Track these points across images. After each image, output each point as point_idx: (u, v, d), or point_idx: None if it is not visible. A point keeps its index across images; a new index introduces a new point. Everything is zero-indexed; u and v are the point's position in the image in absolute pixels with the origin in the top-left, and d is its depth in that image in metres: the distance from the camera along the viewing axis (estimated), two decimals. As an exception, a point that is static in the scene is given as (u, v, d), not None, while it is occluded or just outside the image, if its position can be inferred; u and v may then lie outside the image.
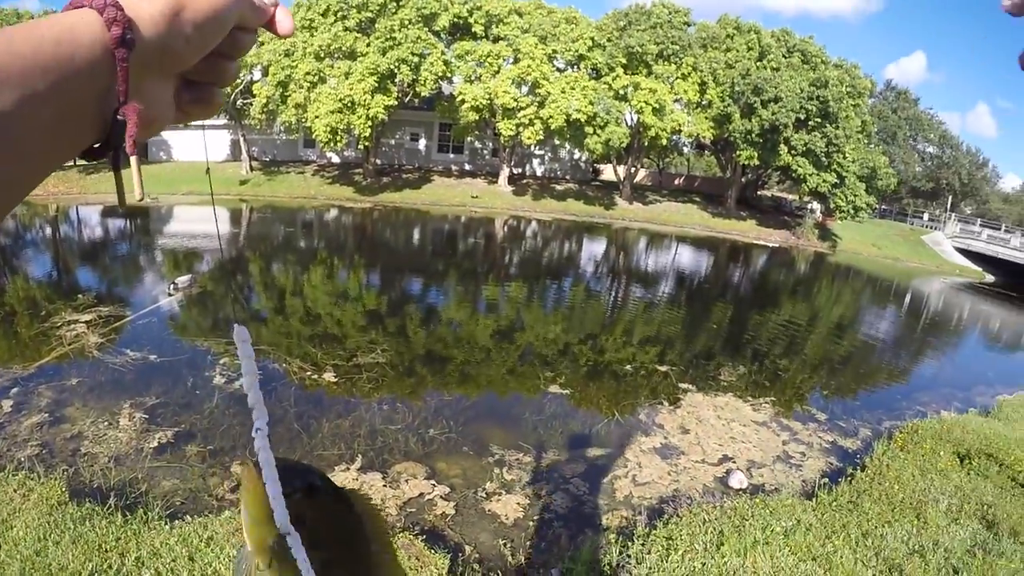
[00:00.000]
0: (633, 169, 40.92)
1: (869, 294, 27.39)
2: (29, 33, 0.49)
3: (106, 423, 7.21)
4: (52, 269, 17.88)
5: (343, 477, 6.28)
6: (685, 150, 49.42)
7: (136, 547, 4.52)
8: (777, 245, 36.33)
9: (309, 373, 9.21)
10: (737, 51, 36.94)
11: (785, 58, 36.72)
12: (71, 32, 0.51)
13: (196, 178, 40.12)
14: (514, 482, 6.55)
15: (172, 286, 13.78)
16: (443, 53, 35.76)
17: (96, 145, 0.56)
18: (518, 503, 6.16)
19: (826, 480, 7.22)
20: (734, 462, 7.63)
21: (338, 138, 34.27)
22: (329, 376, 9.12)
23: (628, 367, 10.88)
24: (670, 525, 5.72)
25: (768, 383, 10.93)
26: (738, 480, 7.09)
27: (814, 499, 6.52)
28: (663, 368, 10.87)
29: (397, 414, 7.91)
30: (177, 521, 5.05)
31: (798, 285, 25.54)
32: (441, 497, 6.13)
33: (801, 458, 8.05)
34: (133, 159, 0.60)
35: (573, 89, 34.64)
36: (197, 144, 46.80)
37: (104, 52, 0.52)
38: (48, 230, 26.93)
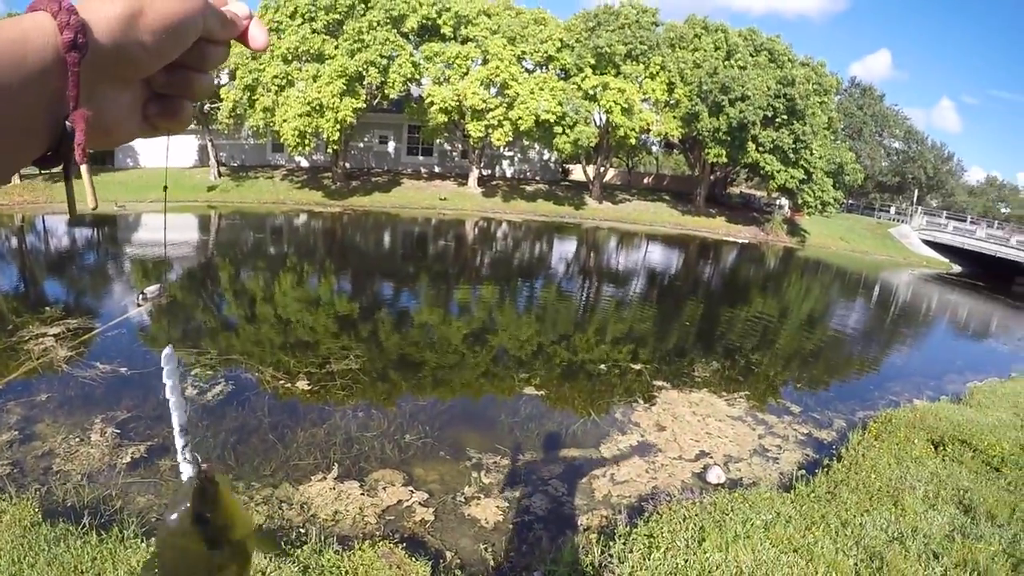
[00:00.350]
0: (602, 169, 41.08)
1: (838, 287, 27.73)
2: None
3: (77, 439, 7.06)
4: (18, 281, 17.58)
5: (320, 487, 6.23)
6: (654, 149, 49.75)
7: (112, 567, 4.44)
8: (746, 241, 36.69)
9: (282, 382, 9.13)
10: (705, 50, 37.15)
11: (752, 57, 36.99)
12: (23, 35, 0.51)
13: (163, 185, 39.72)
14: (492, 485, 6.53)
15: (141, 296, 13.60)
16: (412, 55, 35.68)
17: (48, 153, 0.55)
18: (497, 506, 6.15)
19: (803, 472, 7.28)
20: (711, 457, 7.68)
21: (306, 142, 34.07)
22: (303, 384, 9.05)
23: (602, 366, 10.90)
24: (650, 523, 5.73)
25: (742, 378, 11.01)
26: (716, 475, 7.12)
27: (792, 491, 6.57)
28: (637, 366, 10.91)
29: (372, 421, 7.86)
30: (152, 538, 4.96)
31: (768, 280, 25.78)
32: (420, 503, 6.10)
33: (777, 451, 8.13)
34: (84, 167, 0.58)
35: (542, 90, 34.78)
36: (164, 150, 46.26)
37: (55, 56, 0.52)
38: (13, 241, 26.46)
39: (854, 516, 5.91)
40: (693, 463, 7.48)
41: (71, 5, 0.53)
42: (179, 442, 0.72)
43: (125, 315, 12.77)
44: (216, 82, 37.83)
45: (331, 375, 9.41)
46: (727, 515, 5.76)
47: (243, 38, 0.69)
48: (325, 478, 6.43)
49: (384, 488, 6.30)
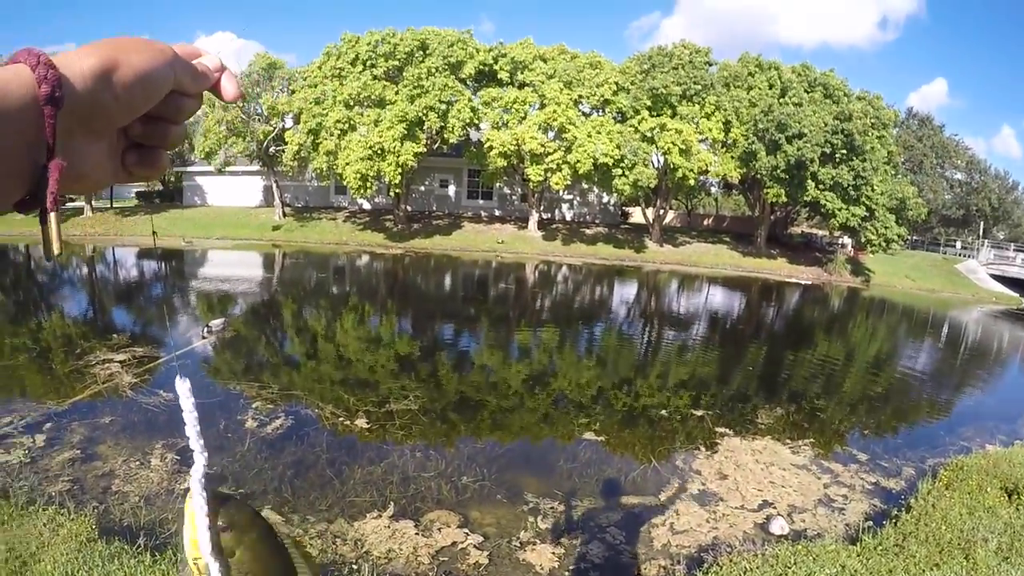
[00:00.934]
0: (662, 211, 40.62)
1: (905, 327, 26.92)
2: None
3: (137, 462, 7.23)
4: (88, 308, 18.19)
5: (375, 524, 6.20)
6: (713, 190, 49.31)
7: None
8: (809, 282, 35.86)
9: (341, 419, 9.17)
10: (759, 88, 36.85)
11: (807, 92, 36.57)
12: (4, 86, 0.53)
13: (230, 223, 40.84)
14: (549, 531, 6.41)
15: (206, 329, 13.94)
16: (470, 100, 36.26)
17: (27, 197, 0.57)
18: (553, 553, 6.02)
19: (870, 523, 6.97)
20: (774, 507, 7.41)
21: (368, 185, 34.70)
22: (361, 422, 9.07)
23: (663, 412, 10.68)
24: (710, 574, 5.57)
25: (806, 424, 10.68)
26: (779, 526, 6.88)
27: (858, 544, 6.30)
28: (699, 412, 10.66)
29: (430, 461, 7.81)
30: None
31: (832, 322, 25.15)
32: (474, 546, 6.01)
33: (843, 501, 7.82)
34: (52, 215, 0.59)
35: (599, 133, 34.94)
36: (232, 190, 47.67)
37: (34, 107, 0.54)
38: (85, 270, 27.42)
39: (923, 571, 5.64)
40: (755, 513, 7.23)
41: (48, 59, 0.55)
42: (196, 486, 0.72)
43: (190, 346, 13.07)
44: (281, 126, 38.88)
45: (390, 414, 9.41)
46: (790, 568, 5.55)
47: (216, 90, 0.72)
48: (380, 516, 6.39)
49: (439, 529, 6.24)
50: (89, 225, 42.80)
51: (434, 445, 8.47)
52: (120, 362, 11.26)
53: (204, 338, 13.58)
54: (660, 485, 7.74)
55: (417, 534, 6.12)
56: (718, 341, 18.36)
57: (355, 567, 5.46)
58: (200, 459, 0.75)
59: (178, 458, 7.37)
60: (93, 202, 48.04)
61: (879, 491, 8.24)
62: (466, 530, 6.24)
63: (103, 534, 5.34)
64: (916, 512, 6.98)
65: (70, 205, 55.12)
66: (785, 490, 7.93)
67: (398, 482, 7.15)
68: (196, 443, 0.76)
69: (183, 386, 0.75)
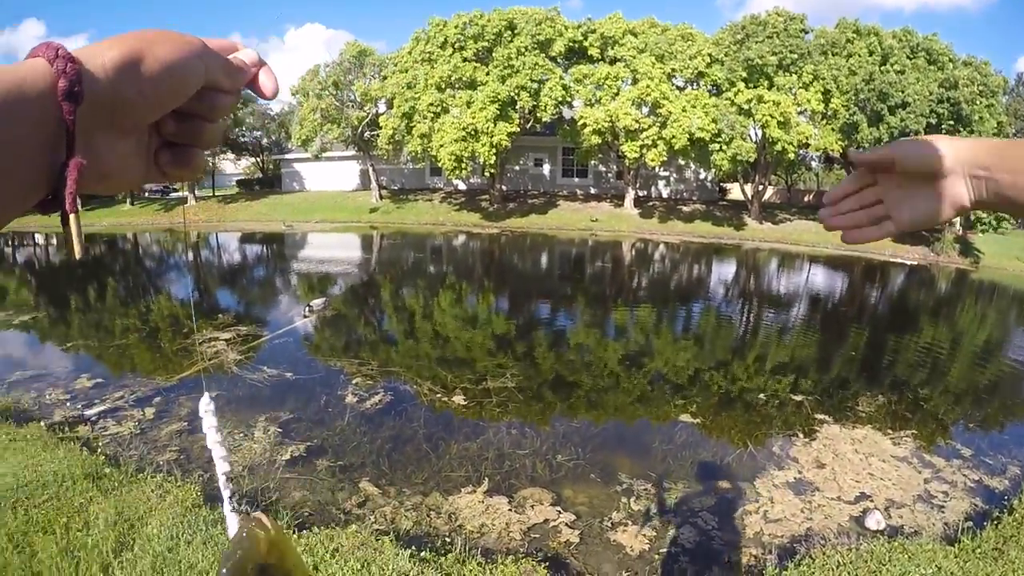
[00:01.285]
0: (761, 187, 39.31)
1: (1017, 313, 25.59)
2: None
3: (242, 434, 7.56)
4: (194, 290, 18.98)
5: (469, 499, 6.27)
6: (813, 164, 47.68)
7: None
8: (915, 263, 34.20)
9: (439, 395, 9.30)
10: (859, 56, 34.84)
11: (910, 59, 34.51)
12: (20, 83, 0.51)
13: (328, 206, 41.89)
14: (641, 513, 6.36)
15: (307, 308, 14.37)
16: (561, 78, 36.05)
17: (49, 197, 0.55)
18: (644, 535, 5.98)
19: (970, 523, 6.59)
20: (872, 501, 7.12)
21: (463, 166, 35.01)
22: (459, 399, 9.19)
23: (761, 395, 10.41)
24: (802, 567, 5.40)
25: (909, 414, 10.24)
26: (875, 520, 6.62)
27: (956, 544, 5.99)
28: (797, 397, 10.35)
29: (525, 439, 7.85)
30: (304, 531, 5.16)
31: (939, 305, 24.05)
32: (566, 524, 6.02)
33: (944, 498, 7.46)
34: (72, 217, 0.56)
35: (694, 107, 34.14)
36: (329, 175, 48.82)
37: (53, 103, 0.52)
38: (190, 254, 28.59)
39: (1021, 579, 5.40)
40: (852, 505, 6.97)
41: (67, 52, 0.53)
42: (225, 492, 0.75)
43: (291, 325, 13.51)
44: (375, 111, 39.55)
45: (487, 392, 9.50)
46: (884, 566, 5.36)
47: (254, 85, 0.70)
48: (475, 491, 6.46)
49: (532, 506, 6.27)
50: (193, 213, 44.90)
51: (529, 423, 8.52)
52: (225, 340, 11.80)
53: (305, 317, 14.00)
54: (755, 471, 7.57)
55: (510, 510, 6.18)
56: (818, 323, 17.83)
57: (448, 540, 5.55)
58: (223, 466, 0.75)
59: (280, 431, 7.65)
60: (196, 191, 50.04)
61: (982, 489, 7.85)
62: (558, 508, 6.26)
63: (207, 500, 5.57)
64: (1019, 514, 6.62)
65: (175, 195, 57.44)
66: (884, 483, 7.64)
67: (493, 458, 7.22)
68: (217, 454, 0.76)
69: (207, 405, 0.75)
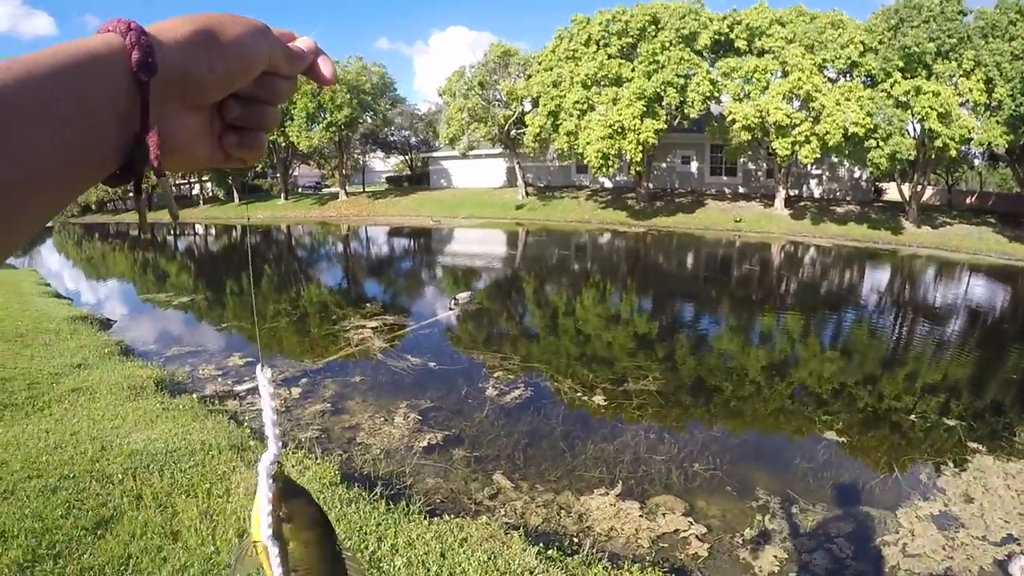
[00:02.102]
0: (919, 187, 36.24)
1: None
2: (53, 57, 0.50)
3: (382, 419, 7.85)
4: (343, 280, 19.85)
5: (600, 501, 6.23)
6: (976, 162, 44.25)
7: (394, 535, 4.71)
8: None
9: (578, 394, 9.28)
10: (1023, 38, 31.10)
11: None
12: (93, 56, 0.52)
13: (475, 203, 42.74)
14: (775, 532, 6.14)
15: (453, 301, 14.76)
16: (708, 72, 35.13)
17: (118, 171, 0.57)
18: (775, 556, 5.78)
19: None
20: (1019, 544, 6.56)
21: (610, 163, 34.85)
22: (598, 399, 9.15)
23: (911, 417, 9.86)
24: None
25: None
26: (1019, 567, 6.14)
27: None
28: (950, 421, 9.64)
29: (662, 444, 7.73)
30: (435, 518, 5.23)
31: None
32: (696, 536, 5.89)
33: (1099, 548, 6.82)
34: (163, 180, 0.60)
35: (848, 100, 32.05)
36: (475, 172, 49.83)
37: (125, 76, 0.53)
38: (340, 246, 29.86)
39: None
40: (997, 547, 6.41)
41: (139, 27, 0.54)
42: (271, 450, 0.77)
43: (436, 317, 13.91)
44: (521, 110, 40.03)
45: (627, 393, 9.40)
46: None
47: (312, 72, 0.71)
48: (607, 494, 6.42)
49: (663, 514, 6.19)
50: (344, 208, 47.08)
51: (667, 428, 8.39)
52: (372, 328, 12.39)
53: (451, 309, 14.38)
54: (899, 499, 7.14)
55: (641, 516, 6.12)
56: (976, 340, 16.68)
57: (575, 540, 5.56)
58: (273, 448, 0.76)
59: (420, 418, 7.86)
60: (347, 187, 52.21)
61: None
62: (690, 519, 6.15)
63: (344, 479, 5.77)
64: None
65: (327, 191, 59.88)
66: (1033, 526, 7.07)
67: (628, 462, 7.16)
68: (271, 431, 0.77)
69: (263, 376, 0.77)
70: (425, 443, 7.20)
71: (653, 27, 35.90)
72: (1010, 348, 15.85)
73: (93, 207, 67.14)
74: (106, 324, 13.49)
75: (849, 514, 6.66)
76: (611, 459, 7.19)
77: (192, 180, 73.79)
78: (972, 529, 6.58)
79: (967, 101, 31.70)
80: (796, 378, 11.44)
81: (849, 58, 33.12)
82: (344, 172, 54.38)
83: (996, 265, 30.68)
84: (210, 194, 68.66)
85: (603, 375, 10.22)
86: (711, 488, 6.79)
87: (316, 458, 6.23)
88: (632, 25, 36.02)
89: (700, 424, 8.75)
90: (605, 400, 9.14)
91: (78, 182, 0.54)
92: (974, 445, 8.74)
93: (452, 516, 5.35)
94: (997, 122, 30.86)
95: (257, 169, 60.77)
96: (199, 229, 47.02)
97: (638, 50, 36.01)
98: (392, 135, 61.45)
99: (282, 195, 56.58)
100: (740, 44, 35.58)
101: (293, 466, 5.89)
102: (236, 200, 62.04)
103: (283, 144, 50.76)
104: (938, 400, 10.80)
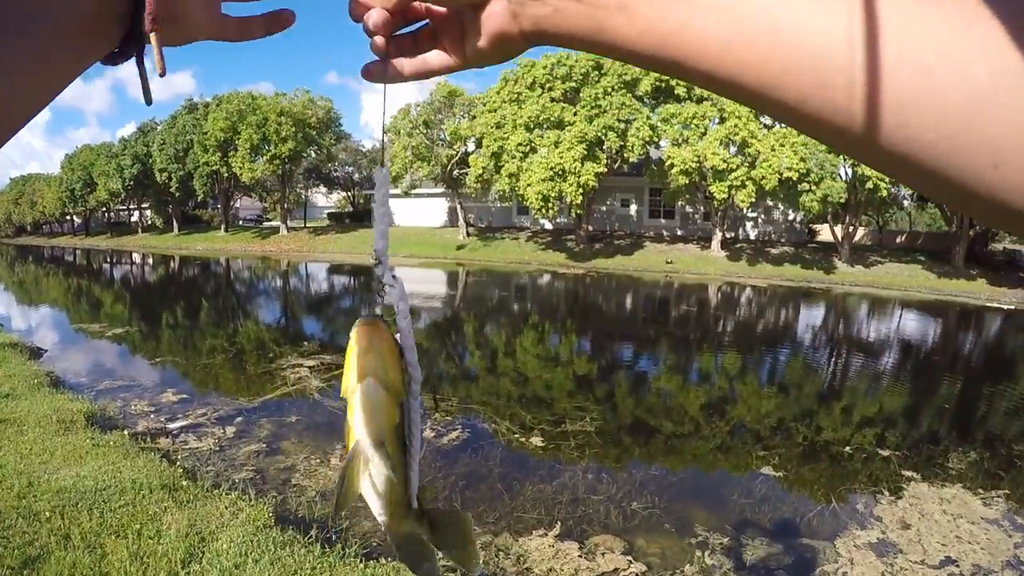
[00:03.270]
0: (851, 228, 38.03)
1: None
2: None
3: (318, 460, 7.69)
4: (281, 317, 19.59)
5: (539, 543, 6.20)
6: (906, 203, 46.14)
7: None
8: (1013, 307, 32.41)
9: (516, 435, 9.26)
10: None
11: None
12: None
13: (416, 242, 42.71)
14: (715, 567, 6.17)
15: (391, 341, 14.64)
16: (648, 118, 36.03)
17: (116, 50, 0.55)
18: (718, 591, 5.85)
19: None
20: (958, 566, 6.74)
21: (550, 205, 35.25)
22: (536, 440, 9.14)
23: (847, 449, 10.08)
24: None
25: (1002, 472, 9.70)
26: None
27: None
28: (884, 452, 9.94)
29: (601, 484, 7.75)
30: (371, 561, 5.16)
31: (1042, 355, 22.95)
32: (636, 575, 5.95)
33: (1035, 564, 7.06)
34: (153, 37, 0.54)
35: (783, 146, 33.32)
36: (417, 211, 49.93)
37: None
38: (279, 282, 29.53)
39: None
40: (936, 570, 6.59)
41: None
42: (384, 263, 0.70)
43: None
44: (464, 150, 40.42)
45: (565, 434, 9.41)
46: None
47: None
48: (546, 535, 6.39)
49: (603, 553, 6.17)
50: (285, 243, 46.76)
51: (606, 467, 8.42)
52: (309, 367, 12.17)
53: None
54: (837, 529, 7.28)
55: (580, 556, 6.10)
56: (909, 373, 17.20)
57: (515, 583, 5.54)
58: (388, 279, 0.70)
59: (360, 461, 7.80)
60: (288, 221, 51.95)
61: (1084, 553, 7.42)
62: (630, 557, 6.15)
63: (278, 522, 5.66)
64: None
65: (268, 224, 59.40)
66: (971, 547, 7.24)
67: (567, 502, 7.16)
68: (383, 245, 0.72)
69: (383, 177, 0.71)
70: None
71: (597, 72, 36.70)
72: (942, 378, 16.36)
73: (28, 228, 65.72)
74: (36, 353, 13.18)
75: (789, 546, 6.74)
76: (549, 500, 7.17)
77: (131, 207, 72.81)
78: (910, 554, 6.73)
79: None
80: (734, 415, 11.59)
81: (785, 105, 34.15)
82: (286, 206, 54.03)
83: (926, 300, 31.87)
84: (148, 222, 67.67)
85: (542, 416, 10.21)
86: (650, 526, 6.81)
87: (250, 500, 6.08)
88: (576, 70, 36.76)
89: (639, 463, 8.79)
90: (543, 441, 9.13)
91: (82, 58, 0.53)
92: (909, 473, 8.99)
93: (388, 559, 5.27)
94: (927, 162, 32.21)
95: (197, 198, 60.13)
96: (136, 258, 46.13)
97: (581, 94, 36.72)
98: (336, 171, 61.39)
99: (223, 227, 55.91)
100: (680, 91, 36.58)
101: (226, 507, 5.76)
102: (175, 230, 61.35)
103: (225, 175, 50.29)
104: (874, 432, 11.08)
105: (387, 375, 0.68)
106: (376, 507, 0.69)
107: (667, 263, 37.52)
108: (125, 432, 7.89)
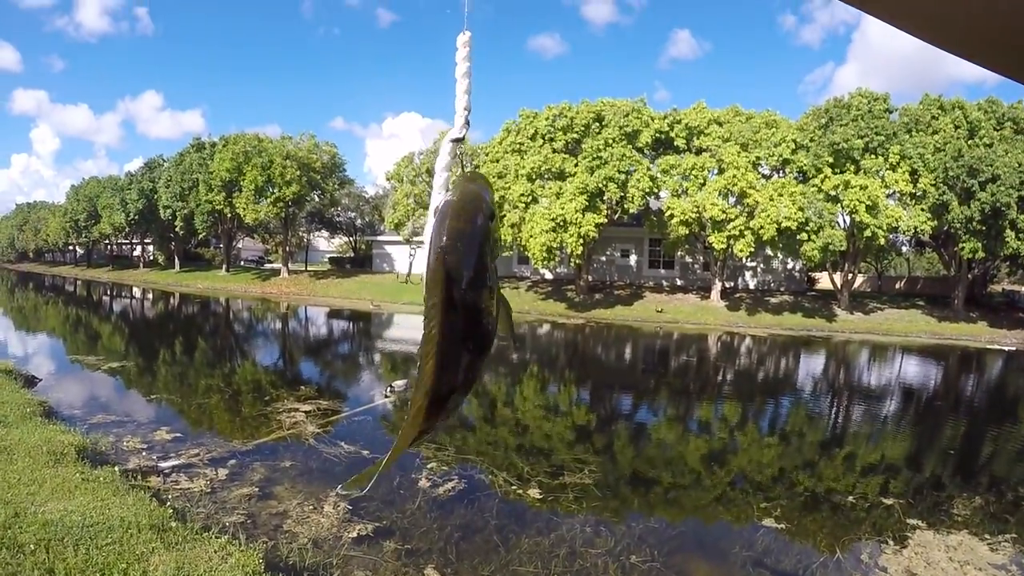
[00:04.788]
0: (850, 275, 38.20)
1: None
2: None
3: (311, 507, 7.58)
4: (279, 359, 19.50)
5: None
6: (904, 249, 46.18)
7: None
8: (1013, 348, 32.13)
9: (514, 487, 9.11)
10: (944, 131, 33.81)
11: (997, 131, 33.49)
12: None
13: (416, 290, 42.65)
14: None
15: (389, 388, 14.54)
16: (648, 169, 36.41)
17: None
18: (719, 648, 5.68)
19: None
20: None
21: (552, 256, 35.31)
22: (534, 491, 8.99)
23: (850, 498, 9.93)
24: None
25: (1009, 516, 9.53)
26: None
27: None
28: (888, 500, 9.82)
29: (599, 537, 7.59)
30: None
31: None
32: (635, 632, 5.78)
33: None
34: None
35: (781, 195, 33.74)
36: (419, 259, 50.03)
37: None
38: (278, 324, 29.46)
39: None
40: None
41: None
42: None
43: (371, 403, 13.68)
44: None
45: (563, 486, 9.25)
46: None
47: None
48: (542, 589, 6.30)
49: (600, 608, 6.06)
50: (285, 285, 46.84)
51: (605, 520, 8.26)
52: (306, 412, 12.10)
53: (387, 396, 14.16)
54: (842, 581, 7.14)
55: (575, 613, 5.98)
56: (911, 418, 17.03)
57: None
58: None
59: (350, 507, 7.61)
60: (290, 264, 52.12)
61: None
62: (629, 613, 6.03)
63: (268, 568, 5.57)
64: None
65: (269, 266, 59.65)
66: (980, 595, 7.09)
67: (564, 556, 7.00)
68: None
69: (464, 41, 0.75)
70: (355, 534, 6.96)
71: (597, 124, 37.07)
72: (944, 423, 16.20)
73: (31, 255, 66.08)
74: (31, 381, 13.17)
75: (791, 602, 6.56)
76: (546, 553, 7.03)
77: (134, 241, 73.22)
78: (917, 605, 6.53)
79: (894, 192, 33.64)
80: (735, 465, 11.45)
81: (782, 155, 34.83)
82: (288, 249, 54.22)
83: (927, 345, 31.75)
84: (151, 258, 67.98)
85: (540, 467, 10.08)
86: (649, 582, 6.65)
87: (240, 545, 5.94)
88: (578, 121, 37.15)
89: (638, 515, 8.65)
90: (541, 492, 8.99)
91: None
92: (914, 521, 8.81)
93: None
94: (922, 209, 33.12)
95: (199, 237, 60.56)
96: (136, 292, 46.20)
97: (582, 145, 37.05)
98: (338, 215, 61.66)
99: (224, 266, 56.07)
100: (679, 142, 36.98)
101: (215, 551, 5.63)
102: (177, 267, 61.67)
103: (229, 215, 50.52)
104: (877, 479, 10.92)
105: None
106: None
107: (657, 311, 37.61)
108: (116, 468, 7.80)
